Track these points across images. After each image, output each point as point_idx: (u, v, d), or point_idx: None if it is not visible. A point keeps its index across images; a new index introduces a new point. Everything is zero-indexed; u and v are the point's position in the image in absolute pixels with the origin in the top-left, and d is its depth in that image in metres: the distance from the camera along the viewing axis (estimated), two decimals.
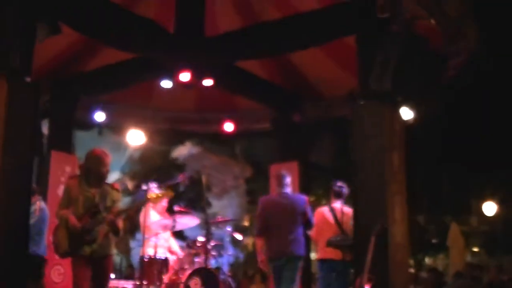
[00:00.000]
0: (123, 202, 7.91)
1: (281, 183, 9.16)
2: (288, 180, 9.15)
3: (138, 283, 9.84)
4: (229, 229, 11.33)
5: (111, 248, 7.46)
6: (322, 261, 9.66)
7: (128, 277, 10.37)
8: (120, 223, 7.36)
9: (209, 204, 12.39)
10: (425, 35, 8.68)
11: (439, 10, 8.47)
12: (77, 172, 8.21)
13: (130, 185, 13.46)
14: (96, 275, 7.34)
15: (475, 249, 20.18)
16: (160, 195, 8.01)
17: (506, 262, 18.34)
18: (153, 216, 10.13)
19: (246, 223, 13.27)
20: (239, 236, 11.54)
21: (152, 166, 14.72)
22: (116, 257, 8.71)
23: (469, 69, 9.69)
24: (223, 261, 10.81)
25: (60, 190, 10.26)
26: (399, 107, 8.86)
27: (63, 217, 7.27)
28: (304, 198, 9.33)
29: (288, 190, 9.16)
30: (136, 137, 12.15)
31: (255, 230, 9.61)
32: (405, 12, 8.27)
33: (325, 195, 13.12)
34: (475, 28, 9.09)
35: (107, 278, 7.60)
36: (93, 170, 7.46)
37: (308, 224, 9.17)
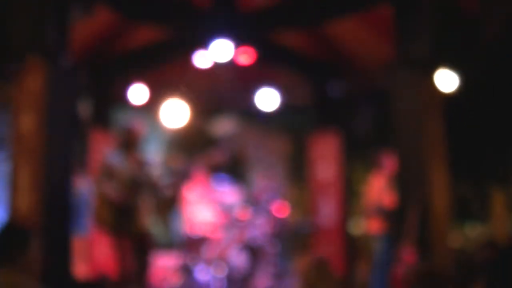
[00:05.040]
0: (165, 179, 7.97)
1: None
2: None
3: (181, 259, 9.91)
4: (272, 204, 11.30)
5: (153, 223, 7.53)
6: None
7: (170, 252, 10.40)
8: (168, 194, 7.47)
9: (249, 181, 12.36)
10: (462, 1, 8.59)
11: None
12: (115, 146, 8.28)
13: (171, 163, 13.44)
14: (139, 251, 7.41)
15: None
16: None
17: None
18: (194, 192, 10.19)
19: (289, 200, 13.22)
20: (282, 212, 11.52)
21: (191, 144, 14.73)
22: (157, 232, 8.79)
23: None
24: (268, 236, 10.79)
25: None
26: (438, 74, 8.76)
27: (105, 193, 7.36)
28: None
29: None
30: (176, 117, 12.12)
31: None
32: None
33: (364, 166, 13.01)
34: None
35: (150, 253, 7.66)
36: (126, 143, 7.57)
37: None
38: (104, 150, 10.89)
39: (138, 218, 7.35)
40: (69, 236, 7.73)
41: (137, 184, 7.44)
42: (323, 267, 4.81)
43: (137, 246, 7.42)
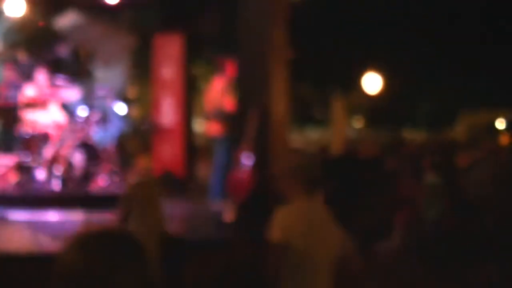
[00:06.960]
0: None
1: None
2: None
3: (19, 158, 9.68)
4: (113, 102, 11.13)
5: None
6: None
7: (9, 152, 10.08)
8: None
9: (91, 77, 12.10)
10: None
11: None
12: None
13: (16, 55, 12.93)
14: None
15: (358, 126, 20.31)
16: None
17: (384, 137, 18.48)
18: (30, 91, 9.90)
19: (131, 96, 13.08)
20: (123, 110, 11.40)
21: (33, 37, 14.20)
22: None
23: None
24: (108, 134, 10.67)
25: None
26: None
27: None
28: None
29: None
30: (15, 5, 11.64)
31: None
32: None
33: (209, 69, 13.02)
34: None
35: None
36: None
37: None
38: None
39: None
40: None
41: None
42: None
43: None
